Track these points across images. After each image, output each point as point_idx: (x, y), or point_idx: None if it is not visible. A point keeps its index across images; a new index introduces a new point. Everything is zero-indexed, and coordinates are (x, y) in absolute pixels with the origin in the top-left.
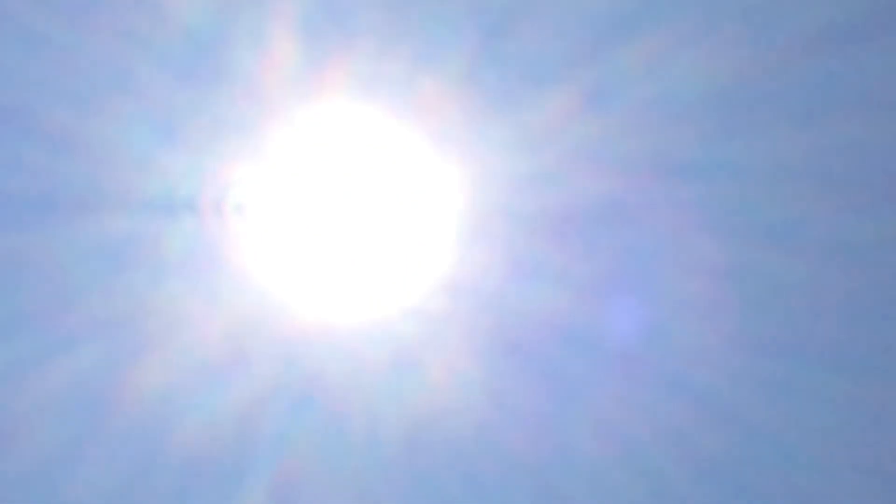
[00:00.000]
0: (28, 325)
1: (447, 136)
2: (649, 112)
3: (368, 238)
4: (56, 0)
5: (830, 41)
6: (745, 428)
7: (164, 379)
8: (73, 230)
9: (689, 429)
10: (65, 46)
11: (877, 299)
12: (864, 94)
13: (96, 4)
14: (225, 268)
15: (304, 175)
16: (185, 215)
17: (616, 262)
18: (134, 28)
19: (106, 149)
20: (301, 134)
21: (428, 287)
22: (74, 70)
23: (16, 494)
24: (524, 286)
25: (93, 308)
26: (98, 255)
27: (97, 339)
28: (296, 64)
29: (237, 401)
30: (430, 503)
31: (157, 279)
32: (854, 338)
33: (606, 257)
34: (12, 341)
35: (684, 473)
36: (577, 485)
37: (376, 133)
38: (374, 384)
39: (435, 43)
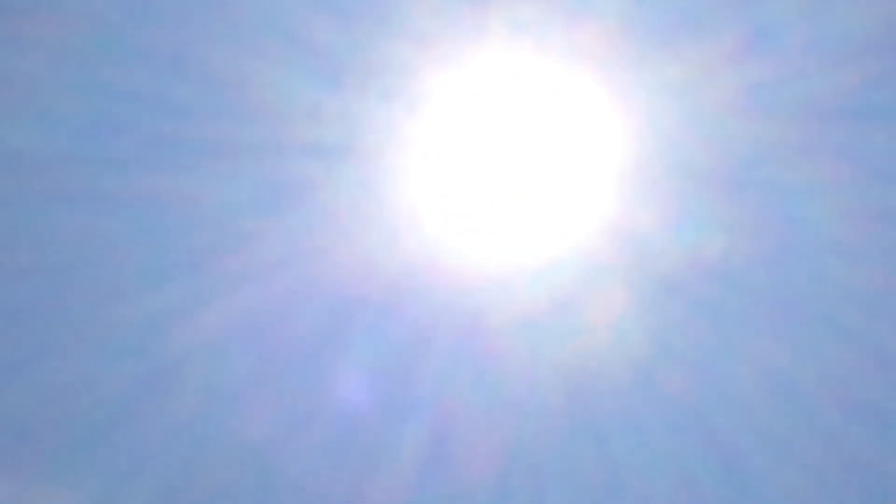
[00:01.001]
0: (195, 267)
1: (608, 79)
2: (810, 55)
3: (530, 182)
4: None
5: None
6: None
7: (324, 322)
8: (237, 173)
9: (849, 372)
10: None
11: None
12: None
13: None
14: (384, 211)
15: (464, 118)
16: (345, 158)
17: (778, 207)
18: None
19: (269, 93)
20: (460, 77)
21: (588, 231)
22: (235, 14)
23: (187, 432)
24: (684, 230)
25: (257, 250)
26: (262, 198)
27: (258, 281)
28: (455, 5)
29: (397, 343)
30: (591, 448)
31: (318, 222)
32: None
33: (768, 202)
34: (174, 283)
35: (846, 417)
36: (739, 428)
37: (538, 76)
38: (535, 328)
39: None
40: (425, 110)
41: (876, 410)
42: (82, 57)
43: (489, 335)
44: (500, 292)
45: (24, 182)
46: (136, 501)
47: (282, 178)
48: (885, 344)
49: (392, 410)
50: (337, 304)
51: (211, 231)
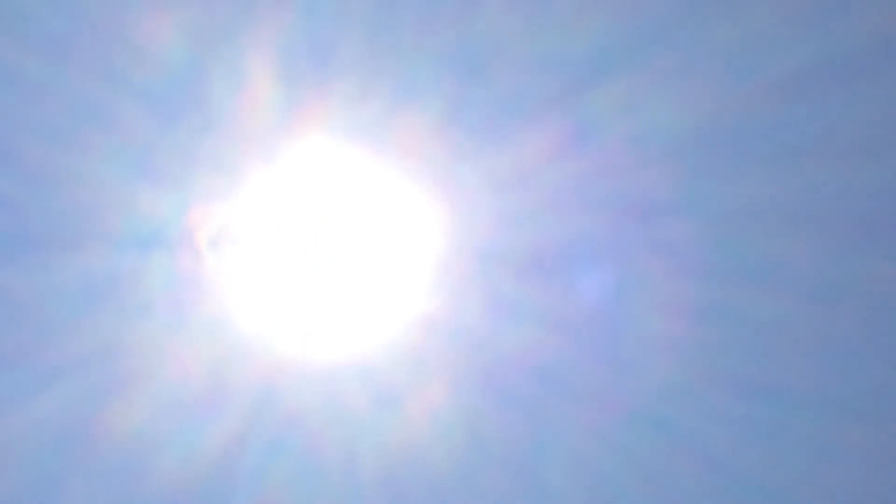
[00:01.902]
0: (6, 362)
1: (426, 175)
2: (627, 153)
3: (347, 276)
4: (37, 37)
5: (806, 83)
6: (720, 468)
7: (142, 416)
8: (51, 266)
9: (664, 467)
10: (44, 83)
11: (852, 338)
12: (839, 135)
13: (76, 41)
14: (203, 304)
15: (282, 213)
16: (163, 252)
17: (593, 301)
18: (113, 65)
19: (85, 185)
20: (280, 172)
21: (406, 324)
22: (54, 106)
23: None
24: (502, 324)
25: (71, 344)
26: (76, 292)
27: (75, 376)
28: (275, 102)
29: (216, 437)
30: None
31: (135, 316)
32: (829, 377)
33: (583, 296)
34: None
35: None
36: None
37: (355, 171)
38: (353, 420)
39: (414, 83)
40: (243, 204)
41: None
42: None
43: (309, 429)
44: (317, 385)
45: None
46: None
47: (96, 272)
48: (694, 435)
49: None
50: (153, 399)
51: (24, 325)
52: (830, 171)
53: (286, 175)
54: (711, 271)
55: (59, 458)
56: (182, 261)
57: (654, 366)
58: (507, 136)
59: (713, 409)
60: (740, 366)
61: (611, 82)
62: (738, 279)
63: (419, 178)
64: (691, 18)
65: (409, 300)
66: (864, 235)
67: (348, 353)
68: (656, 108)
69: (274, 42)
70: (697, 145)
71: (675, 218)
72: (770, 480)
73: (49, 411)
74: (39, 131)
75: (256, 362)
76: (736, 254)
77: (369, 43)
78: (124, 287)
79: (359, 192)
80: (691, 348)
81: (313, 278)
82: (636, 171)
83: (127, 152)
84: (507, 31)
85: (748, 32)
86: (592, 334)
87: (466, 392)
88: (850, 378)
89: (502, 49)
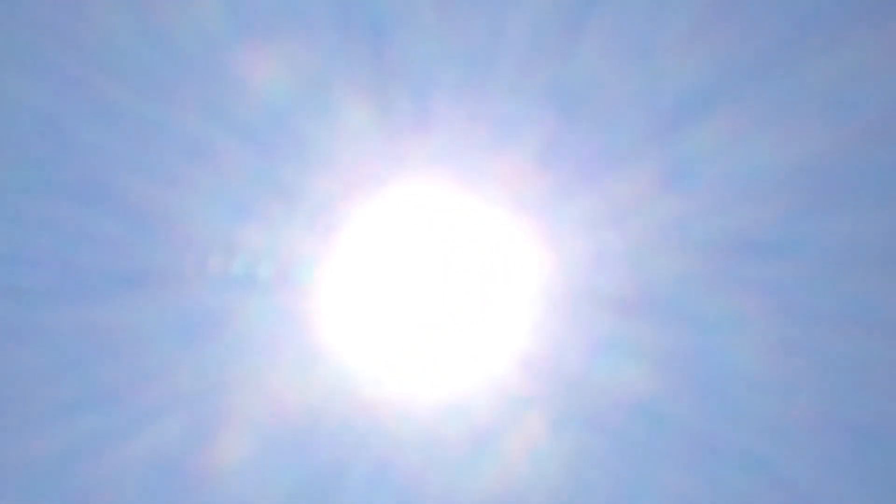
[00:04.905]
0: (111, 398)
1: (526, 213)
2: (727, 191)
3: (447, 314)
4: (138, 76)
5: None
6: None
7: (242, 452)
8: (153, 304)
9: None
10: (146, 121)
11: None
12: None
13: (177, 80)
14: (303, 342)
15: (381, 250)
16: (264, 289)
17: (694, 339)
18: (215, 104)
19: (186, 224)
20: (379, 209)
21: (506, 363)
22: (155, 145)
23: None
24: (601, 362)
25: (174, 381)
26: (178, 329)
27: (178, 412)
28: (375, 139)
29: (314, 474)
30: None
31: (237, 353)
32: None
33: (684, 335)
34: (96, 414)
35: None
36: None
37: (455, 209)
38: (452, 460)
39: (515, 120)
40: (343, 242)
41: None
42: None
43: (406, 468)
44: (418, 424)
45: None
46: None
47: (198, 309)
48: (796, 476)
49: None
50: (253, 436)
51: (127, 362)
52: None
53: (386, 214)
54: (811, 310)
55: (160, 494)
56: (282, 298)
57: (755, 405)
58: (608, 175)
59: (812, 447)
60: (845, 407)
61: (710, 120)
62: (839, 319)
63: (518, 217)
64: (792, 56)
65: (508, 338)
66: None
67: (447, 392)
68: (756, 147)
69: (374, 82)
70: (798, 184)
71: (775, 256)
72: None
73: (149, 448)
74: (140, 170)
75: (355, 400)
76: (838, 293)
77: (468, 84)
78: (225, 325)
79: (458, 232)
80: (793, 388)
81: (412, 316)
82: (735, 210)
83: (228, 190)
84: (606, 71)
85: (851, 70)
86: (692, 373)
87: (566, 430)
88: None
89: (602, 88)
